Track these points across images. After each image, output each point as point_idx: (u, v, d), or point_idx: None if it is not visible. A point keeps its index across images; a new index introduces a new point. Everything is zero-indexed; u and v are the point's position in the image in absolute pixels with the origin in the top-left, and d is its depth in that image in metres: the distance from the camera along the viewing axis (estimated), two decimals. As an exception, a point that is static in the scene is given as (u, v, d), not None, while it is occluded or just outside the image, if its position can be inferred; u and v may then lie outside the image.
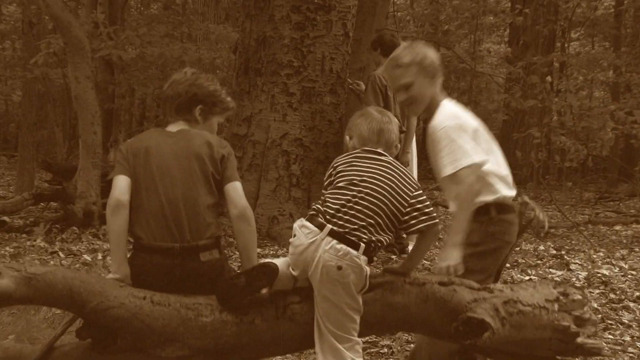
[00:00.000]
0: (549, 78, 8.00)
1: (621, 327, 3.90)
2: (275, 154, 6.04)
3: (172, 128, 2.48)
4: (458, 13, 13.53)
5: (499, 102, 16.62)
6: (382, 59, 5.44)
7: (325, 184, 2.43)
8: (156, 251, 2.26)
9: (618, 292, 4.62)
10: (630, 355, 3.45)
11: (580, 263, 5.57)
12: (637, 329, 3.87)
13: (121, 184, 2.29)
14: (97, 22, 8.46)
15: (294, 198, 5.99)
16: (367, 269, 2.25)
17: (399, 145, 2.56)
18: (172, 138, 2.41)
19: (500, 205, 2.53)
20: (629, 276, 5.11)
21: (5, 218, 6.33)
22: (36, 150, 10.80)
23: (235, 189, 2.36)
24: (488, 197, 2.51)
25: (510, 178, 2.60)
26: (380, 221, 2.27)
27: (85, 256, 5.16)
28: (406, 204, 2.32)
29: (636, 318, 4.07)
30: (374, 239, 2.25)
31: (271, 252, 5.46)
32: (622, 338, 3.69)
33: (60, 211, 6.62)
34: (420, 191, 2.38)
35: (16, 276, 2.05)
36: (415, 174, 5.76)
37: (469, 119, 2.56)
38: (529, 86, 8.74)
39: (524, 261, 5.57)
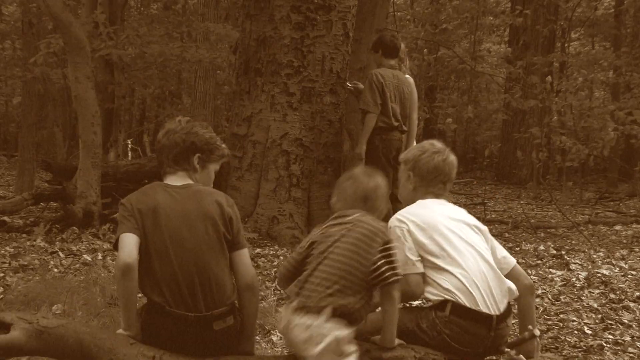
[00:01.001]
0: (549, 78, 8.00)
1: (621, 327, 3.91)
2: (275, 154, 6.04)
3: (174, 181, 2.43)
4: (458, 13, 13.54)
5: (499, 102, 16.62)
6: (383, 60, 5.38)
7: (302, 257, 2.35)
8: (169, 316, 2.23)
9: (618, 292, 4.62)
10: (630, 355, 3.45)
11: (580, 263, 5.57)
12: (637, 329, 3.88)
13: (129, 245, 2.21)
14: (97, 22, 8.45)
15: (294, 198, 5.99)
16: (340, 333, 2.14)
17: (384, 211, 2.49)
18: (179, 195, 2.36)
19: (458, 307, 2.41)
20: (629, 276, 5.10)
21: (5, 218, 6.32)
22: (36, 150, 10.79)
23: (242, 258, 2.39)
24: (434, 295, 2.45)
25: (479, 292, 2.43)
26: (345, 283, 2.21)
27: (85, 256, 5.16)
28: (372, 258, 2.24)
29: (636, 318, 4.07)
30: (341, 302, 2.17)
31: (271, 252, 5.46)
32: (622, 338, 3.70)
33: (60, 211, 6.61)
34: (391, 244, 2.30)
35: (27, 328, 2.06)
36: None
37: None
38: (529, 86, 8.75)
39: (524, 261, 5.56)
